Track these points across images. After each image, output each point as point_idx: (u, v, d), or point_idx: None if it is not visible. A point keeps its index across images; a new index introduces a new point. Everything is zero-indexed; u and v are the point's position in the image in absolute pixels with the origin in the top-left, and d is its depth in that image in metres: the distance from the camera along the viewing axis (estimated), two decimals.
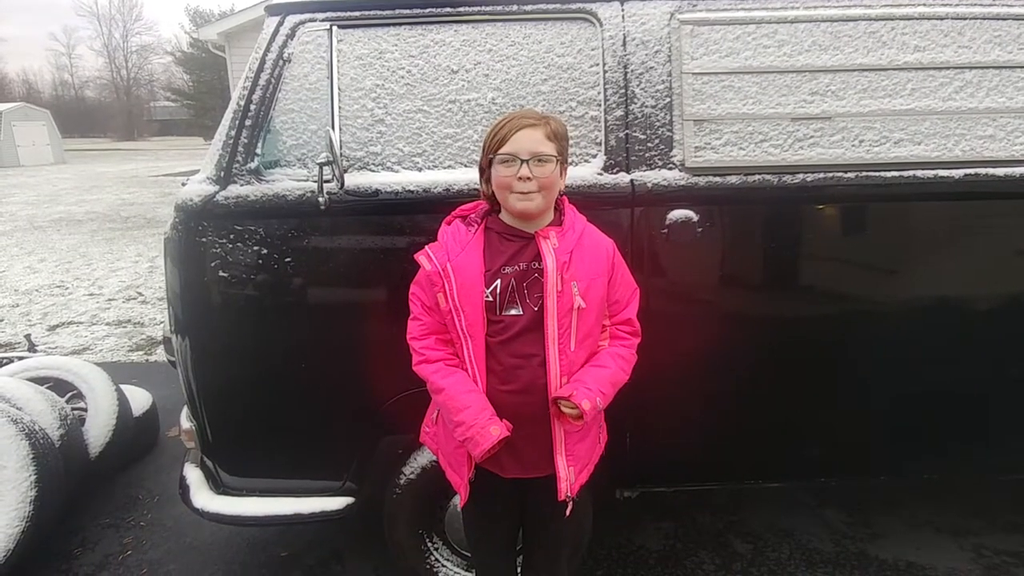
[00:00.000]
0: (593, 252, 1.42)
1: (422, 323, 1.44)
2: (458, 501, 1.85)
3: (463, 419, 1.35)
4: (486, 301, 1.37)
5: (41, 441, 2.21)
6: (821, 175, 1.68)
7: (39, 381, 2.71)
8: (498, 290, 1.37)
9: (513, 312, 1.38)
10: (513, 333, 1.38)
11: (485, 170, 1.42)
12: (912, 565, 2.14)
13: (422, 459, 1.82)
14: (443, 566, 1.94)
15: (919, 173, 1.69)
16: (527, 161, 1.33)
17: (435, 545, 1.95)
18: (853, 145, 1.68)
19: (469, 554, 1.91)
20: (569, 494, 1.41)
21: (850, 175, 1.69)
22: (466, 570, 1.94)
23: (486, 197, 1.45)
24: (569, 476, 1.41)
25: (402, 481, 1.83)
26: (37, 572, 2.19)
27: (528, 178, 1.34)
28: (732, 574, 2.12)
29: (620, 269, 1.47)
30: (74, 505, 2.46)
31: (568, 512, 1.47)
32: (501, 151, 1.35)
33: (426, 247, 1.43)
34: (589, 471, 1.50)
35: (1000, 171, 1.69)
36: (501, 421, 1.36)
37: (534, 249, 1.39)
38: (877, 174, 1.69)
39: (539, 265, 1.37)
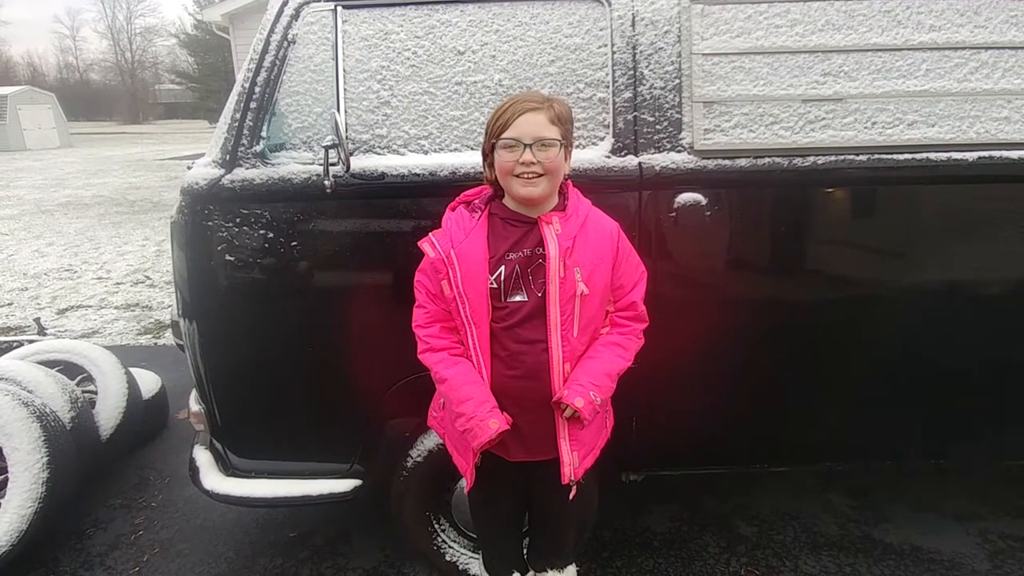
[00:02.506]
0: (597, 237, 1.40)
1: (427, 311, 1.44)
2: (465, 484, 1.86)
3: (463, 411, 1.36)
4: (490, 288, 1.36)
5: (52, 423, 2.23)
6: (832, 158, 1.66)
7: (49, 364, 2.73)
8: (502, 277, 1.37)
9: (518, 298, 1.37)
10: (518, 319, 1.37)
11: (488, 155, 1.41)
12: (917, 549, 2.15)
13: (429, 442, 1.83)
14: (450, 547, 1.96)
15: (932, 156, 1.66)
16: (530, 146, 1.32)
17: (442, 527, 1.97)
18: (865, 127, 1.66)
19: (475, 535, 1.92)
20: (573, 478, 1.42)
21: (862, 158, 1.66)
22: (472, 551, 1.95)
23: (489, 182, 1.44)
24: (573, 461, 1.42)
25: (409, 464, 1.85)
26: (51, 552, 2.23)
27: (532, 162, 1.32)
28: (736, 556, 2.13)
29: (625, 253, 1.45)
30: (86, 486, 2.49)
31: (572, 496, 1.48)
32: (504, 135, 1.33)
33: (430, 234, 1.43)
34: (595, 456, 1.50)
35: (1015, 154, 1.67)
36: (502, 414, 1.36)
37: (538, 235, 1.38)
38: (889, 156, 1.66)
39: (543, 251, 1.36)
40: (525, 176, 1.33)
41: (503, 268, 1.37)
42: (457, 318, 1.40)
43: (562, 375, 1.37)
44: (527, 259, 1.38)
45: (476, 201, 1.45)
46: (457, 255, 1.37)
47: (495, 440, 1.37)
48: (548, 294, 1.35)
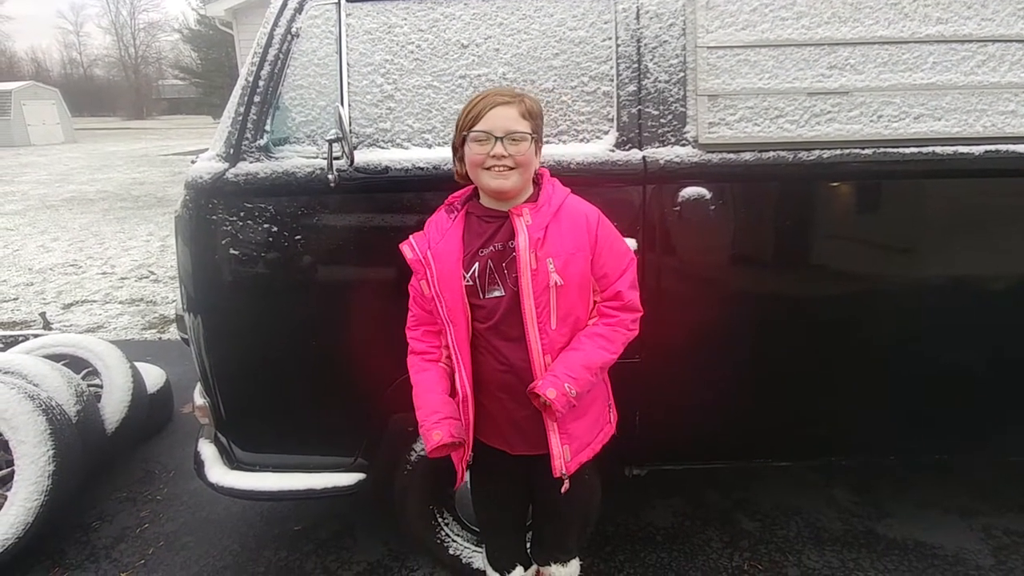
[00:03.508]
0: (571, 225, 1.38)
1: (413, 313, 1.50)
2: (467, 478, 1.86)
3: (418, 416, 1.43)
4: (467, 286, 1.37)
5: (58, 417, 2.24)
6: (838, 151, 1.65)
7: (55, 358, 2.74)
8: (477, 273, 1.37)
9: (495, 294, 1.38)
10: (499, 316, 1.38)
11: (459, 149, 1.41)
12: (920, 544, 2.15)
13: None
14: (453, 541, 1.96)
15: (938, 149, 1.65)
16: (501, 139, 1.32)
17: (445, 520, 1.97)
18: (871, 120, 1.65)
19: (479, 529, 1.93)
20: (564, 472, 1.41)
21: (868, 151, 1.65)
22: (476, 545, 1.96)
23: (460, 176, 1.44)
24: (563, 454, 1.40)
25: (412, 458, 1.85)
26: (57, 544, 2.25)
27: (502, 155, 1.32)
28: (740, 551, 2.14)
29: (605, 241, 1.41)
30: (91, 480, 2.50)
31: (564, 490, 1.46)
32: (475, 128, 1.33)
33: (410, 236, 1.45)
34: (594, 450, 1.49)
35: (1021, 148, 1.65)
36: (451, 425, 1.39)
37: (510, 228, 1.37)
38: (895, 150, 1.65)
39: (514, 244, 1.36)
40: (496, 169, 1.33)
41: (477, 264, 1.38)
42: (438, 319, 1.42)
43: (543, 368, 1.36)
44: (500, 253, 1.37)
45: (456, 202, 1.46)
46: (433, 255, 1.38)
47: (453, 449, 1.41)
48: (521, 287, 1.34)
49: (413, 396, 1.46)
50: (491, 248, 1.38)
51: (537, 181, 1.44)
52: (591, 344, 1.40)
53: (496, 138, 1.32)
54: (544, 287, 1.34)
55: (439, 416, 1.40)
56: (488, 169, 1.34)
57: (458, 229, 1.41)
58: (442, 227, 1.42)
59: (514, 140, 1.32)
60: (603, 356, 1.40)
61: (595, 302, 1.44)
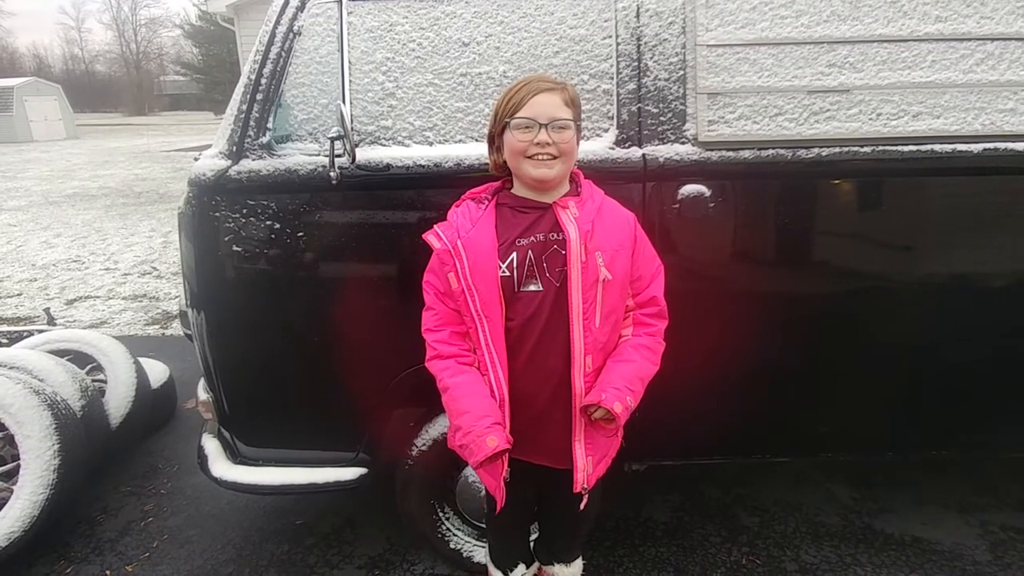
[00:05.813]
0: (614, 223, 1.36)
1: (436, 313, 1.38)
2: (469, 472, 1.88)
3: (460, 424, 1.29)
4: (502, 276, 1.30)
5: (63, 411, 2.26)
6: (837, 149, 1.66)
7: (59, 354, 2.76)
8: (515, 264, 1.31)
9: (532, 288, 1.31)
10: (533, 312, 1.31)
11: (496, 138, 1.36)
12: (918, 540, 2.16)
13: (433, 431, 1.85)
14: (454, 535, 1.98)
15: (937, 147, 1.66)
16: (545, 126, 1.27)
17: (446, 515, 1.99)
18: (870, 118, 1.65)
19: (484, 525, 1.94)
20: (585, 486, 1.36)
21: (866, 149, 1.66)
22: (476, 539, 1.98)
23: (496, 167, 1.40)
24: (587, 466, 1.36)
25: (414, 452, 1.87)
26: (61, 538, 2.27)
27: (547, 143, 1.28)
28: (738, 546, 2.15)
29: (643, 242, 1.41)
30: (96, 474, 2.53)
31: (583, 505, 1.42)
32: (518, 115, 1.29)
33: (435, 226, 1.38)
34: (607, 463, 1.45)
35: (1019, 146, 1.66)
36: (503, 431, 1.28)
37: (552, 219, 1.32)
38: (894, 148, 1.66)
39: (559, 236, 1.31)
40: (539, 157, 1.28)
41: (515, 255, 1.31)
42: (467, 315, 1.33)
43: (583, 368, 1.31)
44: (541, 245, 1.31)
45: (483, 194, 1.41)
46: (464, 245, 1.31)
47: (496, 460, 1.28)
48: (570, 280, 1.29)
49: (450, 402, 1.33)
50: (531, 239, 1.31)
51: (573, 178, 1.40)
52: (640, 356, 1.37)
53: (540, 125, 1.27)
54: (593, 282, 1.30)
55: (490, 420, 1.28)
56: (530, 158, 1.29)
57: (490, 218, 1.34)
58: (472, 216, 1.35)
59: (558, 127, 1.28)
60: (651, 369, 1.38)
61: (629, 307, 1.41)
